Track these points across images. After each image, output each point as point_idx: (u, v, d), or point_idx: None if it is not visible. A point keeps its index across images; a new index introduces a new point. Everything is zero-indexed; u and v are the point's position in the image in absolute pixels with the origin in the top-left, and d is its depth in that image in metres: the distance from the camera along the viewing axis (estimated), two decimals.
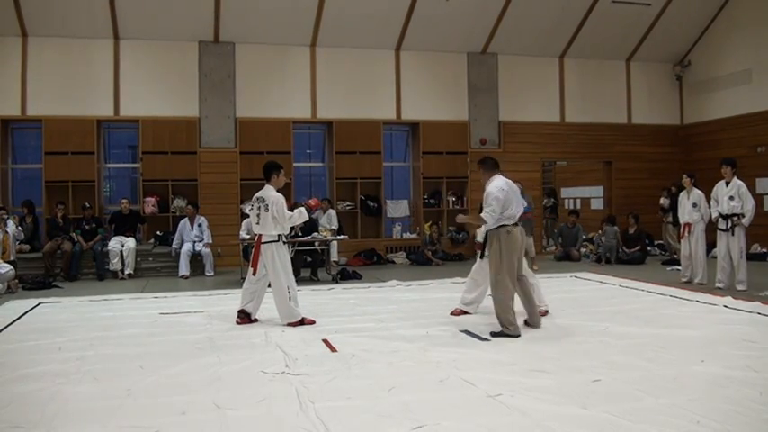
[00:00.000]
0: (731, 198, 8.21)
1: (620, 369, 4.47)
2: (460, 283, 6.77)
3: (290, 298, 6.14)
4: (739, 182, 8.28)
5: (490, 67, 13.34)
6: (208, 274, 10.76)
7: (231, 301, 7.35)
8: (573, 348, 5.13)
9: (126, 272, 10.41)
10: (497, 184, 5.77)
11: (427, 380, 4.29)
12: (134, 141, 12.16)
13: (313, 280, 9.93)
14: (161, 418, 3.60)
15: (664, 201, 12.51)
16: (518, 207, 5.81)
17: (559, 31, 13.29)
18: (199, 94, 11.88)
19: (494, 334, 5.61)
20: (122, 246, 10.50)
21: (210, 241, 10.87)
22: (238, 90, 12.03)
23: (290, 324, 6.12)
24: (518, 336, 5.55)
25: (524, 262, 6.07)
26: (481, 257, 6.51)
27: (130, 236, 10.74)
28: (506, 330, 5.59)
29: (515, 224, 5.76)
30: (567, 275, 9.93)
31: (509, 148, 13.21)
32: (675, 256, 10.96)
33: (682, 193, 9.17)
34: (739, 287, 8.06)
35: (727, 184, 8.32)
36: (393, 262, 12.41)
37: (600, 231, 12.26)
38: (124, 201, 11.19)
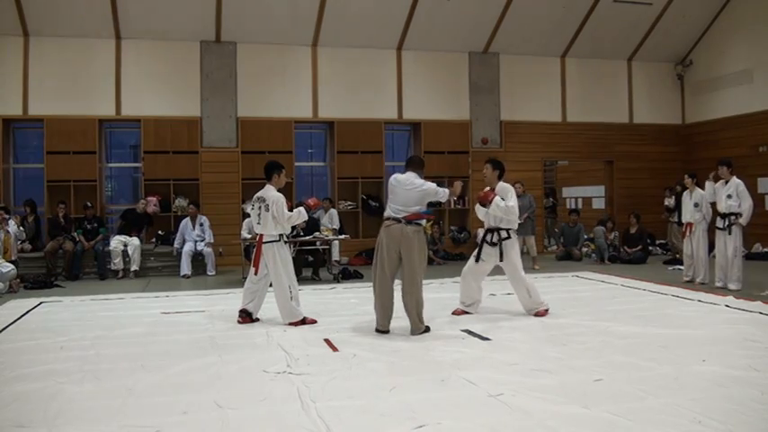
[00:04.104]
0: (729, 196, 8.18)
1: (622, 369, 4.46)
2: (459, 284, 6.76)
3: (291, 297, 6.15)
4: (738, 180, 8.24)
5: (492, 67, 13.34)
6: (209, 273, 10.77)
7: (233, 300, 7.36)
8: (574, 348, 5.13)
9: (132, 269, 10.42)
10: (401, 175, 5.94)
11: (428, 379, 4.29)
12: (136, 141, 12.17)
13: (314, 279, 9.94)
14: (162, 418, 3.61)
15: (668, 201, 12.50)
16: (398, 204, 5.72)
17: (561, 31, 13.29)
18: (200, 94, 11.88)
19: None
20: (125, 245, 10.50)
21: (212, 241, 10.87)
22: (240, 89, 12.03)
23: (291, 323, 6.13)
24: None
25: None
26: (477, 260, 6.52)
27: (135, 235, 10.75)
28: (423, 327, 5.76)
29: (398, 220, 5.67)
30: (568, 275, 9.93)
31: (510, 147, 13.20)
32: (678, 255, 10.95)
33: (684, 193, 9.16)
34: (731, 286, 8.04)
35: (726, 182, 8.29)
36: None
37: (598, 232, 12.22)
38: (143, 201, 11.20)
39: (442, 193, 5.84)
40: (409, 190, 5.73)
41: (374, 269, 5.79)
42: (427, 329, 5.76)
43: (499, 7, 12.48)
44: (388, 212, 5.78)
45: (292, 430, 3.42)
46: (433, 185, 5.84)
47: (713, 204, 8.55)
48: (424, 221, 5.79)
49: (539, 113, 13.62)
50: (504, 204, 6.30)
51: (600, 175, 14.97)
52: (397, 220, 5.66)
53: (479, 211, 6.65)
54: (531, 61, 13.57)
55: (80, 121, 11.33)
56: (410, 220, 5.65)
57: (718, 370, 4.37)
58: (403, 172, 5.97)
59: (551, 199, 15.70)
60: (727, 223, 8.20)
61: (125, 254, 10.49)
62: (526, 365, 4.58)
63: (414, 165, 5.99)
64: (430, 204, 6.01)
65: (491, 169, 6.54)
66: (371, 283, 5.86)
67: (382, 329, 5.76)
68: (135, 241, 10.58)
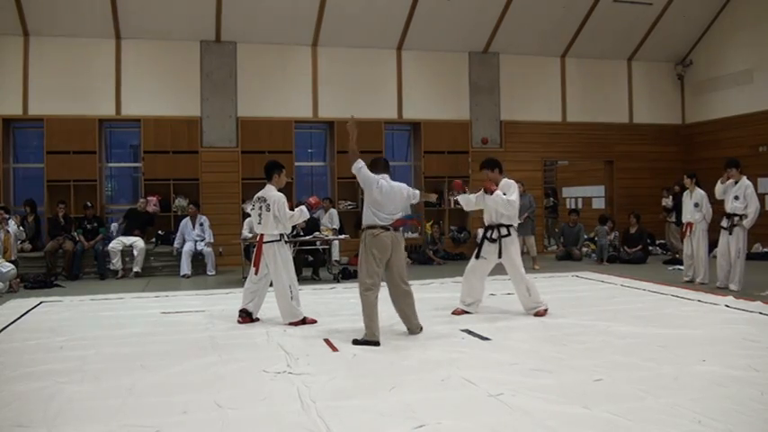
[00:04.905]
0: (736, 198, 8.14)
1: (622, 368, 4.47)
2: (461, 283, 6.76)
3: (291, 297, 6.15)
4: (747, 182, 8.18)
5: (492, 67, 13.33)
6: (209, 273, 10.77)
7: (233, 300, 7.36)
8: (574, 348, 5.13)
9: (134, 270, 10.43)
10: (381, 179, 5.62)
11: (428, 379, 4.29)
12: (136, 141, 12.17)
13: (314, 279, 9.94)
14: (162, 418, 3.61)
15: (666, 201, 12.50)
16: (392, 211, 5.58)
17: (561, 31, 13.28)
18: (200, 94, 11.88)
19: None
20: (126, 245, 10.51)
21: (212, 240, 10.87)
22: (240, 89, 12.03)
23: (291, 323, 6.13)
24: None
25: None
26: (477, 257, 6.53)
27: (138, 235, 10.75)
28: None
29: (386, 228, 5.52)
30: (568, 275, 9.93)
31: (510, 147, 13.21)
32: (678, 255, 10.95)
33: (684, 193, 9.15)
34: (732, 287, 8.01)
35: (736, 182, 8.24)
36: None
37: (599, 232, 12.19)
38: (142, 200, 11.24)
39: (413, 195, 5.79)
40: (396, 194, 5.63)
41: (375, 274, 5.47)
42: (420, 329, 5.76)
43: (499, 7, 12.48)
44: (373, 220, 5.50)
45: (292, 430, 3.42)
46: (407, 187, 5.79)
47: (720, 203, 8.50)
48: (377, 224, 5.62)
49: (539, 113, 13.61)
50: (506, 198, 6.30)
51: (600, 175, 14.97)
52: (386, 228, 5.52)
53: (462, 198, 6.55)
54: (531, 61, 13.57)
55: (80, 121, 11.33)
56: (397, 226, 5.61)
57: (718, 370, 4.37)
58: (375, 173, 5.67)
59: (552, 199, 15.70)
60: (730, 224, 8.17)
61: (124, 254, 10.50)
62: (526, 365, 4.58)
63: (386, 168, 5.78)
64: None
65: (490, 171, 6.54)
66: (367, 290, 5.45)
67: (377, 340, 5.38)
68: (140, 243, 10.58)
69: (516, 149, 13.16)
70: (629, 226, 12.02)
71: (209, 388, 4.16)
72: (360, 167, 5.60)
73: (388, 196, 5.56)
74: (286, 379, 4.34)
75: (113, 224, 10.86)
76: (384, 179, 5.63)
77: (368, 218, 5.55)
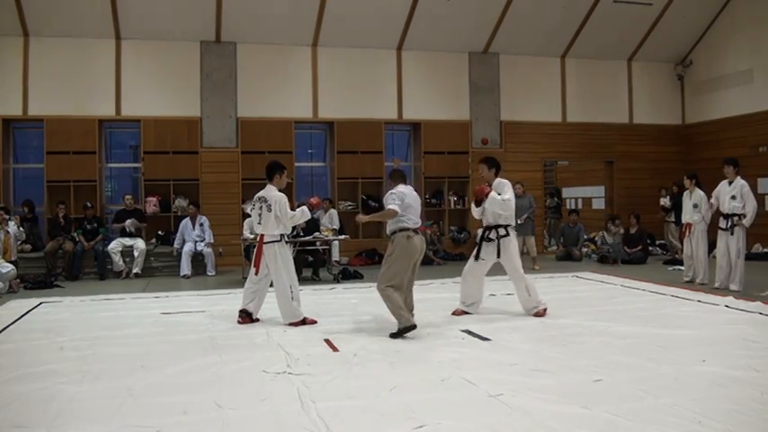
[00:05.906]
0: (733, 197, 8.15)
1: (622, 369, 4.47)
2: (460, 284, 6.76)
3: (292, 297, 6.16)
4: (742, 181, 8.20)
5: (492, 67, 13.33)
6: (209, 273, 10.77)
7: (233, 300, 7.36)
8: (574, 348, 5.13)
9: (134, 271, 10.44)
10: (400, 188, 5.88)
11: (428, 380, 4.29)
12: (136, 141, 12.17)
13: (314, 280, 9.94)
14: (162, 418, 3.61)
15: (664, 201, 12.51)
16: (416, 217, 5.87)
17: (561, 31, 13.29)
18: (200, 94, 11.88)
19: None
20: (126, 245, 10.53)
21: (212, 241, 10.87)
22: (240, 90, 12.04)
23: (291, 324, 6.13)
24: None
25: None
26: (476, 259, 6.53)
27: (139, 234, 10.74)
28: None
29: (416, 231, 5.80)
30: (568, 275, 9.93)
31: (510, 147, 13.21)
32: (677, 255, 10.96)
33: (684, 194, 9.15)
34: (733, 287, 8.00)
35: (731, 183, 8.27)
36: None
37: (611, 231, 12.07)
38: (128, 197, 11.19)
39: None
40: (417, 198, 5.94)
41: (402, 275, 5.71)
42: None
43: (499, 7, 12.48)
44: (408, 223, 5.74)
45: (292, 430, 3.42)
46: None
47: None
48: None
49: (539, 113, 13.61)
50: (501, 198, 6.32)
51: (600, 176, 14.96)
52: (416, 232, 5.80)
53: (475, 211, 6.66)
54: (531, 61, 13.57)
55: (80, 121, 11.33)
56: (423, 231, 5.98)
57: (718, 370, 4.37)
58: (392, 185, 5.97)
59: (556, 199, 15.67)
60: (729, 224, 8.17)
61: (124, 254, 10.50)
62: (526, 365, 4.58)
63: (403, 179, 6.06)
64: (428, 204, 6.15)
65: (486, 169, 6.56)
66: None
67: (413, 324, 5.65)
68: (140, 244, 10.59)
69: (516, 150, 13.17)
70: (629, 226, 12.02)
71: (209, 388, 4.16)
72: (395, 204, 5.71)
73: (413, 199, 5.86)
74: (286, 379, 4.34)
75: (129, 220, 10.76)
76: (404, 186, 5.93)
77: (400, 222, 5.75)
